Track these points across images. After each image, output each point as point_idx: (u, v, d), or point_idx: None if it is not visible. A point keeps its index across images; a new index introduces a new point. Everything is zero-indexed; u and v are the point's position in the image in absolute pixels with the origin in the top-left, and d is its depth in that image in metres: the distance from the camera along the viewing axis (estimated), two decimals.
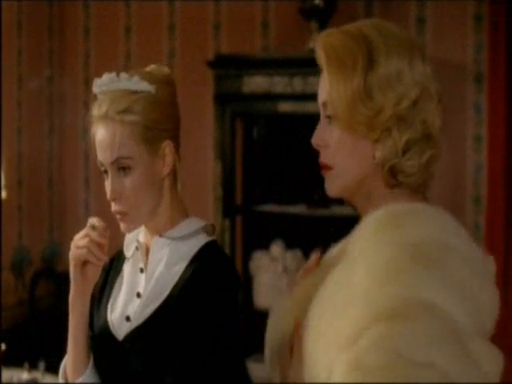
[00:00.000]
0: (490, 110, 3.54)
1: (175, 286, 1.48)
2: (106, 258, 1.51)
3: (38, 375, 3.07)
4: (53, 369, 3.09)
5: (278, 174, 3.89)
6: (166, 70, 1.57)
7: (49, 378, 3.07)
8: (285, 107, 3.54)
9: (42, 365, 3.08)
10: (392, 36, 1.35)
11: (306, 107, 3.45)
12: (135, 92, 1.49)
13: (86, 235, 1.52)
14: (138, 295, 1.53)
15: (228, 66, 3.65)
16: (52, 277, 4.38)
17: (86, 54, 4.49)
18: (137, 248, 1.57)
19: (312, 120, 3.64)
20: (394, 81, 1.28)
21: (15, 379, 3.05)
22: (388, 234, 1.23)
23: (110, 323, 1.54)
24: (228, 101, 3.62)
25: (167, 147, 1.52)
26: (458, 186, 3.73)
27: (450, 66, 3.71)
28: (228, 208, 3.69)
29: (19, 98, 4.32)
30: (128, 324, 1.51)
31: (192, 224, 1.54)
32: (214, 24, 4.15)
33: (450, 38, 3.72)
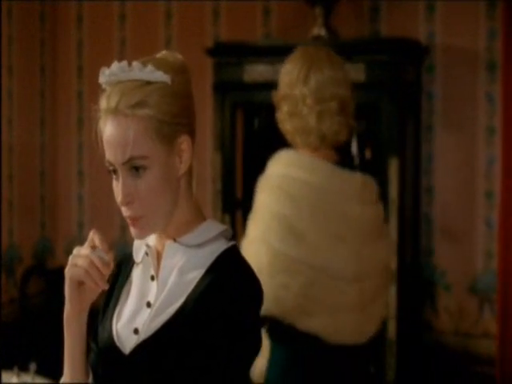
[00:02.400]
0: (503, 100, 3.51)
1: (190, 296, 1.40)
2: (106, 286, 1.41)
3: (28, 378, 3.05)
4: (44, 370, 3.09)
5: None
6: (179, 56, 1.49)
7: (40, 380, 3.06)
8: None
9: (33, 366, 3.06)
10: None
11: None
12: (149, 83, 1.41)
13: (87, 256, 1.41)
14: (148, 305, 1.44)
15: (228, 54, 3.63)
16: (43, 274, 4.37)
17: (78, 42, 4.47)
18: (146, 253, 1.49)
19: None
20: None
21: (4, 382, 3.04)
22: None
23: (114, 335, 1.45)
24: (228, 90, 3.61)
25: (184, 143, 1.44)
26: (469, 180, 3.71)
27: (460, 54, 3.69)
28: (228, 202, 3.68)
29: (10, 88, 4.31)
30: (136, 337, 1.42)
31: (210, 229, 1.46)
32: (213, 9, 4.14)
33: (460, 25, 3.70)
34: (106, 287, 1.42)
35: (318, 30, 3.65)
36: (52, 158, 4.55)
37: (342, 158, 2.27)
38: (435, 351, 3.76)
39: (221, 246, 1.45)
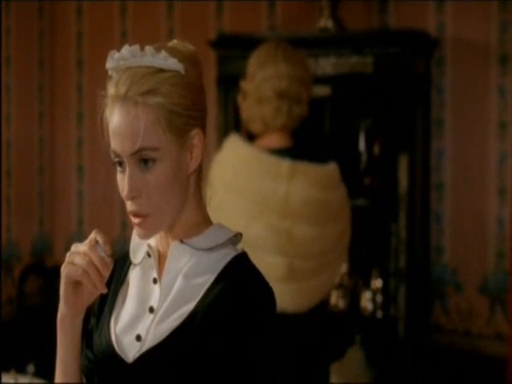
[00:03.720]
0: None
1: (199, 303, 1.35)
2: (104, 289, 1.37)
3: (26, 380, 3.05)
4: (42, 371, 3.09)
5: None
6: (190, 47, 1.44)
7: (38, 382, 3.06)
8: None
9: (31, 368, 3.06)
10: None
11: (316, 91, 3.42)
12: (161, 70, 1.36)
13: (86, 254, 1.36)
14: (151, 310, 1.39)
15: (232, 47, 3.62)
16: (42, 272, 4.38)
17: (78, 34, 4.47)
18: (148, 254, 1.44)
19: (322, 104, 3.63)
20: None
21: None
22: None
23: (114, 342, 1.40)
24: (232, 84, 3.59)
25: (196, 137, 1.38)
26: (480, 176, 3.70)
27: (471, 47, 3.68)
28: None
29: (7, 82, 4.31)
30: (138, 344, 1.37)
31: (220, 234, 1.42)
32: (216, 1, 4.13)
33: (471, 17, 3.68)
34: (105, 291, 1.38)
35: (325, 22, 3.64)
36: (51, 153, 4.55)
37: (293, 144, 2.57)
38: (445, 352, 3.76)
39: (230, 252, 1.41)
